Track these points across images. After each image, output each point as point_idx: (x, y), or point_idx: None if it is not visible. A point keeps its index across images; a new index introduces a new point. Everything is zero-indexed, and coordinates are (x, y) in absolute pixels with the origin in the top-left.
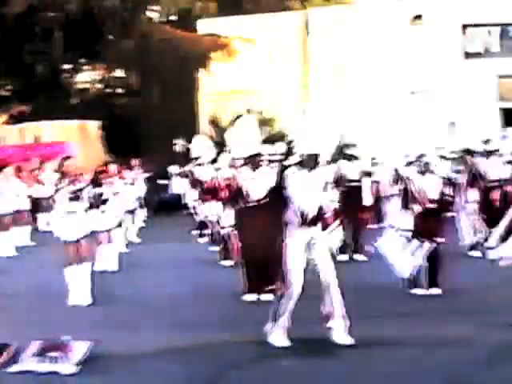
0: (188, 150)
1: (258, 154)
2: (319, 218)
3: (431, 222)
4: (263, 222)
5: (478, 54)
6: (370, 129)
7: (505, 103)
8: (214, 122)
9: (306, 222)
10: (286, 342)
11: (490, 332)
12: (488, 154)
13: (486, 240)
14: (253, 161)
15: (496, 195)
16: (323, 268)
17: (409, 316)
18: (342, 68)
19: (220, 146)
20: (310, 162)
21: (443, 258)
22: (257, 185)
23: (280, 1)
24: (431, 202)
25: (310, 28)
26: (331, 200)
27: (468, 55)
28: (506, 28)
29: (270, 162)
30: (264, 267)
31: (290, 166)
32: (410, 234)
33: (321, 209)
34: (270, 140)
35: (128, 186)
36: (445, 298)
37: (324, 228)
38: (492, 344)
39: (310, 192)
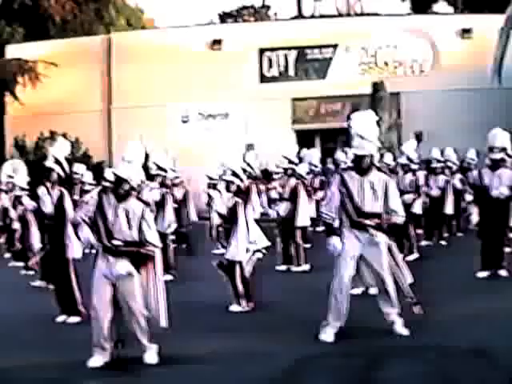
0: None
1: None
2: None
3: None
4: None
5: (274, 78)
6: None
7: (299, 125)
8: (19, 146)
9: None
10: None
11: (297, 345)
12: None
13: None
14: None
15: None
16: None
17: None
18: (146, 89)
19: None
20: None
21: (252, 275)
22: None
23: (85, 25)
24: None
25: (114, 51)
26: None
27: (264, 78)
28: (301, 51)
29: None
30: None
31: None
32: None
33: None
34: (75, 160)
35: None
36: (254, 313)
37: None
38: (298, 357)
39: None
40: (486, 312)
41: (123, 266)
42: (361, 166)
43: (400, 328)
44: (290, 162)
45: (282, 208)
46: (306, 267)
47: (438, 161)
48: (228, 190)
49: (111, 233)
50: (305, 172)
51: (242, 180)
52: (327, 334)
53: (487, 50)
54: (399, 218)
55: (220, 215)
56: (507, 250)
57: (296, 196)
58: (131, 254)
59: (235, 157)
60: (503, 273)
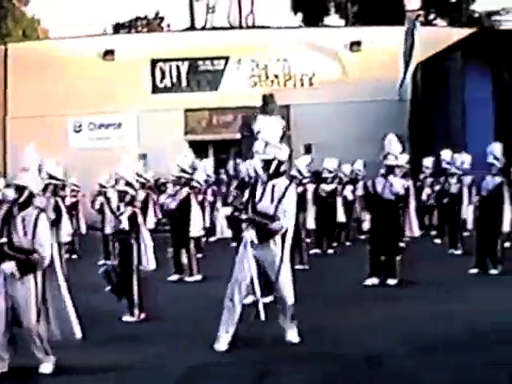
0: None
1: None
2: None
3: None
4: None
5: (166, 89)
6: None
7: (192, 136)
8: None
9: None
10: None
11: (191, 354)
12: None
13: None
14: None
15: None
16: None
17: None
18: (42, 100)
19: None
20: None
21: (144, 285)
22: None
23: None
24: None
25: (10, 62)
26: None
27: (157, 89)
28: (194, 63)
29: None
30: None
31: None
32: None
33: None
34: None
35: None
36: (147, 323)
37: None
38: (191, 366)
39: None
40: (377, 320)
41: (9, 265)
42: (268, 170)
43: (292, 336)
44: (183, 170)
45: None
46: (198, 277)
47: (329, 171)
48: (121, 200)
49: (12, 241)
50: (203, 180)
51: (135, 190)
52: (220, 343)
53: (377, 63)
54: (278, 225)
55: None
56: (397, 258)
57: (188, 205)
58: (21, 261)
59: (128, 167)
60: (392, 281)
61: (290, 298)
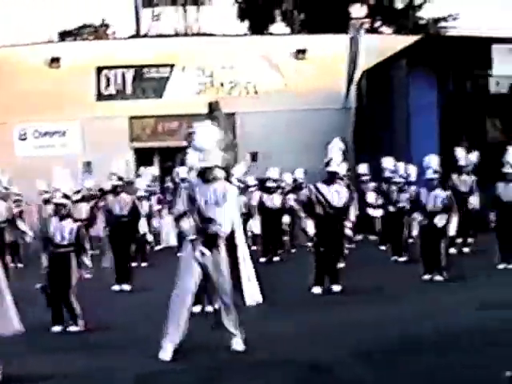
0: None
1: None
2: None
3: None
4: None
5: (111, 96)
6: None
7: (137, 143)
8: None
9: None
10: None
11: (136, 364)
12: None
13: None
14: None
15: None
16: None
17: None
18: None
19: None
20: None
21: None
22: None
23: None
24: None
25: None
26: None
27: (102, 97)
28: (139, 70)
29: None
30: None
31: None
32: None
33: None
34: None
35: None
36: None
37: None
38: (135, 375)
39: None
40: (321, 326)
41: None
42: (208, 178)
43: (237, 344)
44: (120, 178)
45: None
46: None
47: (274, 180)
48: (57, 213)
49: None
50: (145, 187)
51: (73, 202)
52: (165, 352)
53: (322, 71)
54: (219, 228)
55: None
56: (341, 265)
57: (135, 213)
58: None
59: (65, 178)
60: (336, 288)
61: (232, 304)
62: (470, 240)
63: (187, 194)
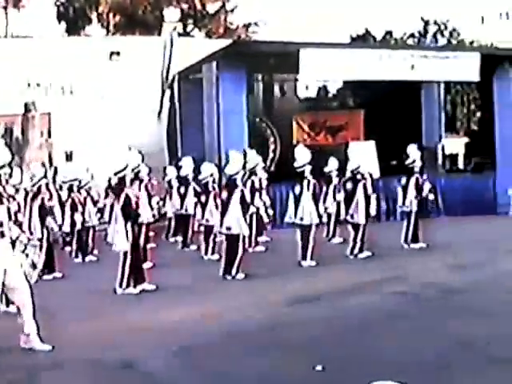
0: None
1: None
2: None
3: None
4: None
5: None
6: None
7: None
8: None
9: None
10: None
11: None
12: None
13: None
14: None
15: None
16: None
17: None
18: None
19: None
20: None
21: None
22: None
23: None
24: None
25: None
26: None
27: None
28: None
29: None
30: None
31: None
32: None
33: None
34: None
35: None
36: None
37: None
38: None
39: None
40: (138, 325)
41: None
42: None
43: (40, 345)
44: None
45: None
46: None
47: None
48: None
49: None
50: None
51: None
52: None
53: (136, 73)
54: None
55: None
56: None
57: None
58: None
59: None
60: (148, 287)
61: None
62: None
63: None
